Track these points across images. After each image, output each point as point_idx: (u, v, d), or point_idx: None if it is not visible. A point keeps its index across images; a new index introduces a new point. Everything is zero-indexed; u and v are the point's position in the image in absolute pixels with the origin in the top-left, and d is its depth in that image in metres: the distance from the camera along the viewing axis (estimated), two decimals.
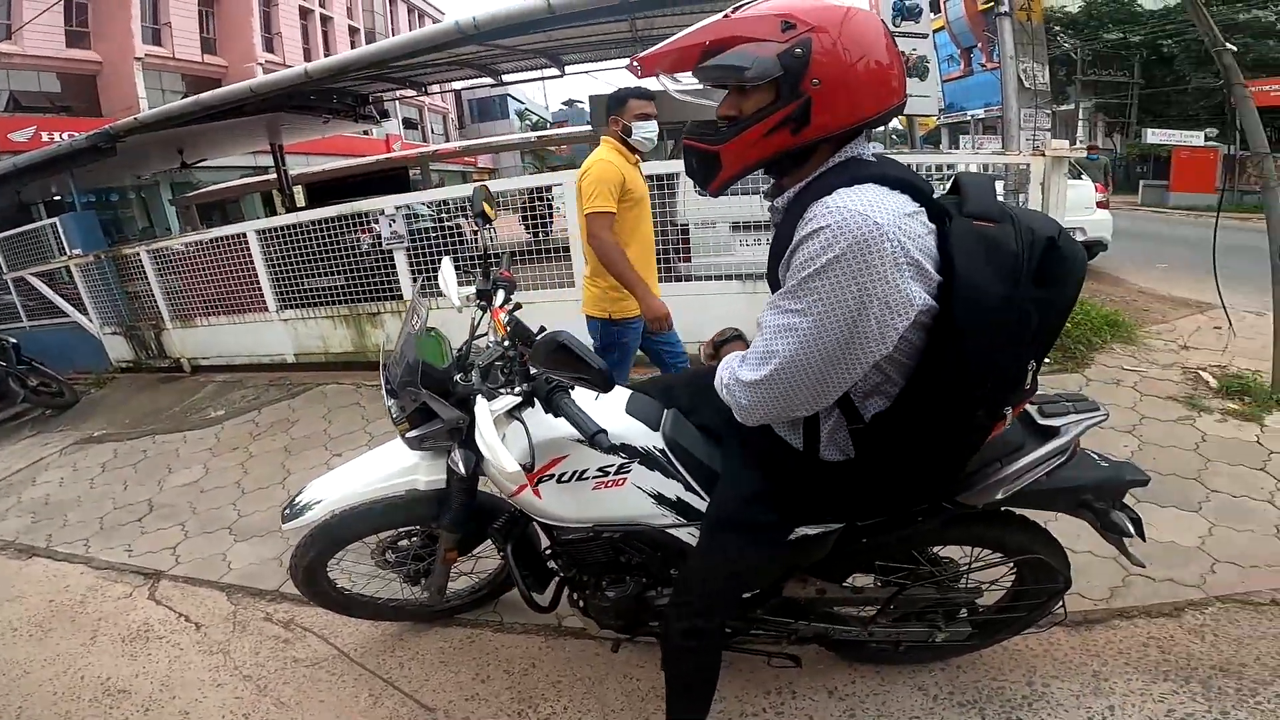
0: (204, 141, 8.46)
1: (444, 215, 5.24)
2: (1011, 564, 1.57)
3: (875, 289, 0.87)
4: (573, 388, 1.28)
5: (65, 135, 9.83)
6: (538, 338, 1.30)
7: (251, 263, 5.31)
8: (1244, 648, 1.82)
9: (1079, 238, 6.63)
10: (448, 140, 27.77)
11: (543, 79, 8.06)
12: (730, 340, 1.35)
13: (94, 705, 2.17)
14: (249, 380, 5.57)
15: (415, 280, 4.75)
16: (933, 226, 0.94)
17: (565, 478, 1.44)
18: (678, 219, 4.21)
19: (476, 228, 1.82)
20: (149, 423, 5.04)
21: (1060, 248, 0.96)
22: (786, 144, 0.94)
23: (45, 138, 10.78)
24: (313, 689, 2.08)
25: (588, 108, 10.18)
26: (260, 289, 5.39)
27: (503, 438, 1.26)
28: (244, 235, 5.29)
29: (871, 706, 1.74)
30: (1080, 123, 20.93)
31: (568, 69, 7.50)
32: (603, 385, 1.06)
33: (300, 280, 5.28)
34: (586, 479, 1.44)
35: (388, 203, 4.83)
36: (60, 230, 6.46)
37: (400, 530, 1.91)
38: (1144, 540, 1.41)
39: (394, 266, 4.90)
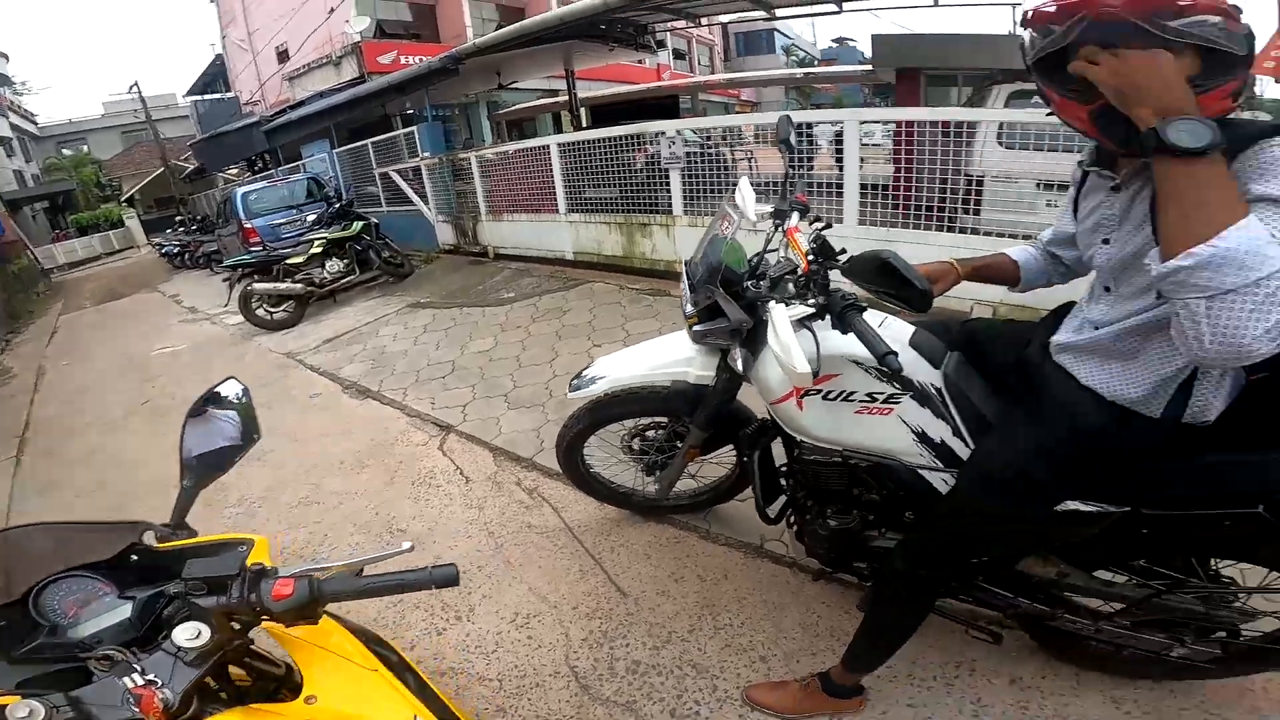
0: (515, 65, 9.70)
1: (708, 142, 5.41)
2: None
3: None
4: (865, 309, 1.31)
5: (415, 59, 11.74)
6: (845, 257, 1.34)
7: (550, 170, 6.12)
8: None
9: None
10: (713, 72, 27.71)
11: (816, 15, 7.55)
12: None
13: (377, 540, 2.54)
14: (535, 270, 6.49)
15: (685, 198, 5.03)
16: None
17: (832, 395, 1.47)
18: (971, 169, 3.79)
19: (780, 153, 1.87)
20: (459, 297, 6.15)
21: None
22: (1229, 109, 0.89)
23: (403, 60, 13.08)
24: (537, 554, 2.32)
25: (867, 47, 9.31)
26: (554, 193, 6.21)
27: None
28: (547, 147, 6.11)
29: (1051, 707, 1.57)
30: None
31: (846, 5, 6.92)
32: (923, 305, 1.06)
33: (584, 189, 5.95)
34: (852, 400, 1.45)
35: (669, 126, 5.14)
36: (416, 137, 8.09)
37: (653, 420, 2.09)
38: None
39: (666, 184, 5.24)
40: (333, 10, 13.23)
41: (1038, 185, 3.65)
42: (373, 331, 5.54)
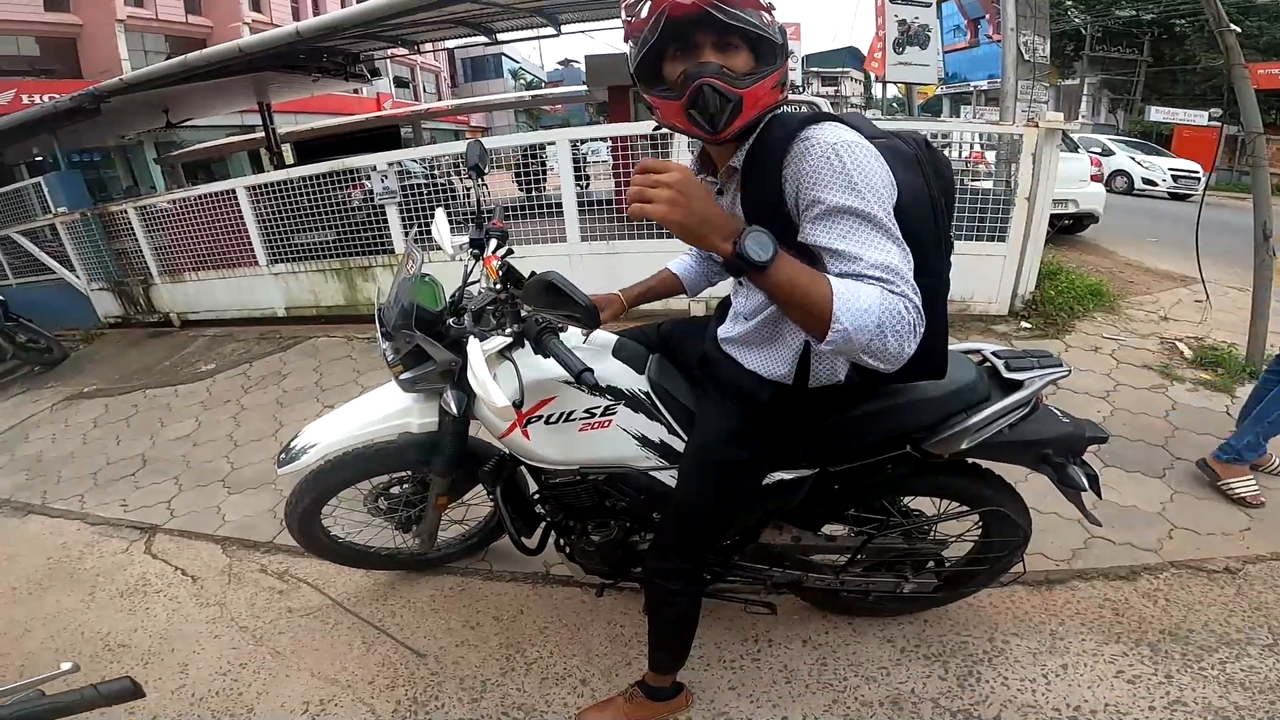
0: (190, 101, 8.23)
1: (435, 172, 5.22)
2: (976, 517, 1.64)
3: (886, 183, 0.98)
4: (563, 329, 1.32)
5: (46, 98, 9.45)
6: (528, 279, 1.33)
7: (241, 218, 5.29)
8: (1193, 613, 1.88)
9: (1070, 210, 6.74)
10: (440, 99, 27.16)
11: (538, 38, 7.86)
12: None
13: (95, 661, 2.18)
14: (239, 334, 5.58)
15: (407, 234, 4.76)
16: None
17: (553, 419, 1.48)
18: None
19: (470, 180, 1.83)
20: (139, 377, 5.04)
21: (934, 149, 1.14)
22: (777, 99, 1.05)
23: (25, 100, 10.41)
24: (308, 638, 2.12)
25: (584, 68, 9.97)
26: (250, 244, 5.39)
27: (494, 377, 1.30)
28: (233, 191, 5.26)
29: (843, 656, 1.82)
30: (1084, 98, 20.79)
31: (564, 28, 7.34)
32: (590, 322, 1.09)
33: (291, 235, 5.27)
34: (574, 420, 1.48)
35: (379, 159, 4.81)
36: (45, 189, 6.37)
37: (392, 476, 1.94)
38: (1100, 497, 1.48)
39: (385, 221, 4.91)
40: None
41: None
42: (19, 436, 4.30)
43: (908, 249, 0.95)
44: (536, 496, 1.79)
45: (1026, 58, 4.19)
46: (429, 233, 1.78)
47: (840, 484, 1.51)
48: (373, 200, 4.90)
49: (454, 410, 1.53)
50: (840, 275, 0.91)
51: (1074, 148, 7.14)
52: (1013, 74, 4.21)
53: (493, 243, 1.70)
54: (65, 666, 0.76)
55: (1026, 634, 1.85)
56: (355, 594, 2.28)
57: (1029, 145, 3.78)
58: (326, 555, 2.12)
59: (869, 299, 0.87)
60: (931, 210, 1.09)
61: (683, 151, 4.22)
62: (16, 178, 7.81)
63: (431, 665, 1.94)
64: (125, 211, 5.89)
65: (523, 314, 1.34)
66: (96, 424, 4.24)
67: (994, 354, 1.54)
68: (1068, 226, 7.10)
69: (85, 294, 6.55)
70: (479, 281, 1.65)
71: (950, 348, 1.32)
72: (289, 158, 10.21)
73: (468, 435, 1.73)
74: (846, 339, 0.86)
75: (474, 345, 1.30)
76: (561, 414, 1.48)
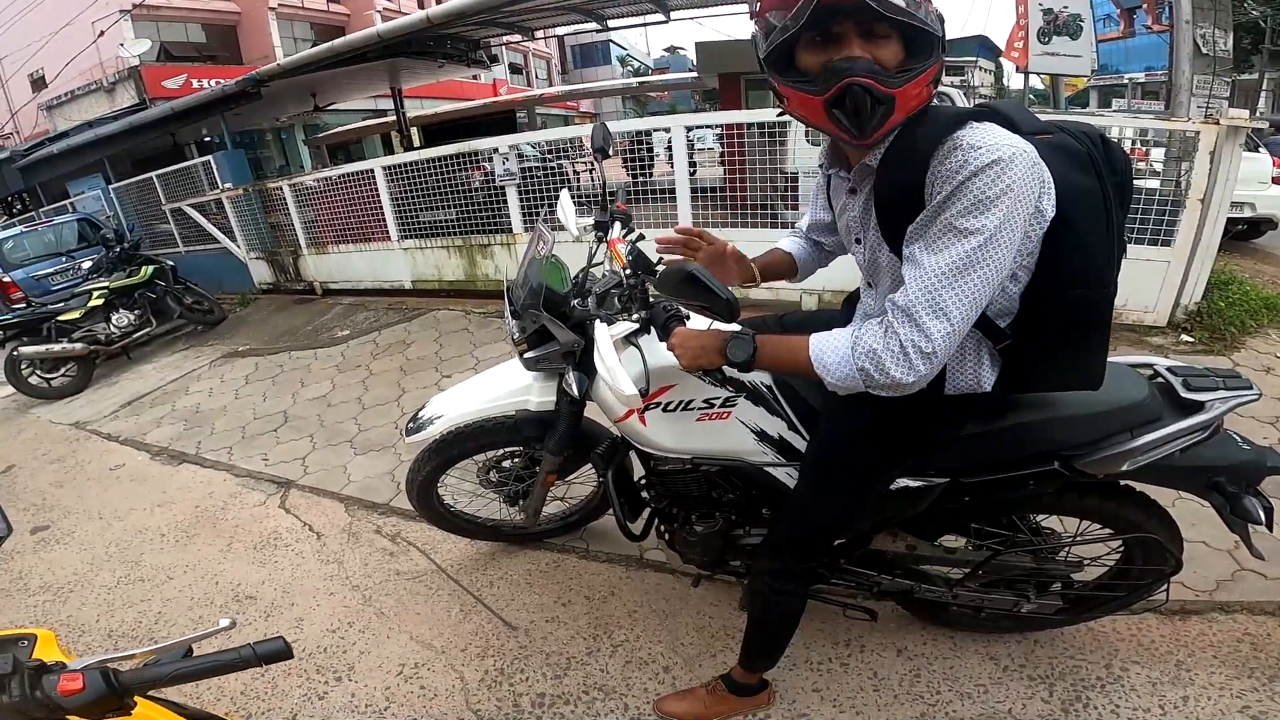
0: (333, 86, 8.99)
1: (549, 156, 5.36)
2: (1120, 541, 1.49)
3: (1029, 206, 0.92)
4: (688, 318, 1.30)
5: (212, 82, 10.62)
6: (661, 266, 1.32)
7: (377, 196, 5.72)
8: None
9: (1245, 214, 5.87)
10: (551, 85, 27.85)
11: (646, 25, 7.85)
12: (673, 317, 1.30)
13: (224, 612, 2.32)
14: (370, 303, 6.02)
15: (525, 215, 4.96)
16: None
17: (671, 407, 1.47)
18: (787, 167, 4.09)
19: (594, 163, 1.84)
20: (285, 340, 5.57)
21: (1111, 144, 1.04)
22: (929, 97, 0.97)
23: (195, 84, 11.72)
24: (411, 601, 2.21)
25: (692, 55, 9.87)
26: (384, 220, 5.80)
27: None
28: (372, 171, 5.69)
29: (939, 669, 1.72)
30: (1263, 93, 18.39)
31: (673, 15, 7.27)
32: (728, 315, 1.06)
33: (419, 213, 5.63)
34: (692, 409, 1.47)
35: (501, 142, 5.01)
36: (214, 167, 7.17)
37: (506, 450, 2.01)
38: (1270, 530, 1.29)
39: (504, 202, 5.11)
40: (102, 33, 11.51)
41: None
42: (181, 389, 4.86)
43: (989, 283, 0.92)
44: (643, 482, 1.79)
45: (1205, 51, 3.80)
46: (553, 213, 1.82)
47: (971, 496, 1.40)
48: (493, 181, 5.11)
49: (575, 392, 1.55)
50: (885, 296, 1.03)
51: (1254, 147, 6.21)
52: (1187, 67, 3.91)
53: (617, 226, 1.70)
54: (224, 623, 0.79)
55: (1148, 663, 1.68)
56: (458, 562, 2.36)
57: (1206, 143, 3.32)
58: (438, 522, 2.22)
59: (840, 350, 1.02)
60: (1104, 214, 0.99)
61: (800, 141, 4.06)
62: (186, 156, 8.84)
63: (521, 638, 1.98)
64: (280, 188, 6.55)
65: (651, 300, 1.33)
66: (247, 380, 4.72)
67: (1170, 370, 1.36)
68: (1242, 232, 6.26)
69: (244, 262, 7.34)
70: (602, 264, 1.67)
71: (1120, 360, 1.18)
72: (416, 140, 10.89)
73: (583, 416, 1.76)
74: (839, 387, 1.03)
75: (602, 330, 1.30)
76: (680, 402, 1.47)
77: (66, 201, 10.12)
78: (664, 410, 1.49)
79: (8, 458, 4.07)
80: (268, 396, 4.34)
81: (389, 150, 14.24)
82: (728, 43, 7.90)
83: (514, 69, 28.86)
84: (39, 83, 14.50)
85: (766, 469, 1.51)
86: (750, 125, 4.15)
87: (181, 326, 6.34)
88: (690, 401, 1.46)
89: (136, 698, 0.74)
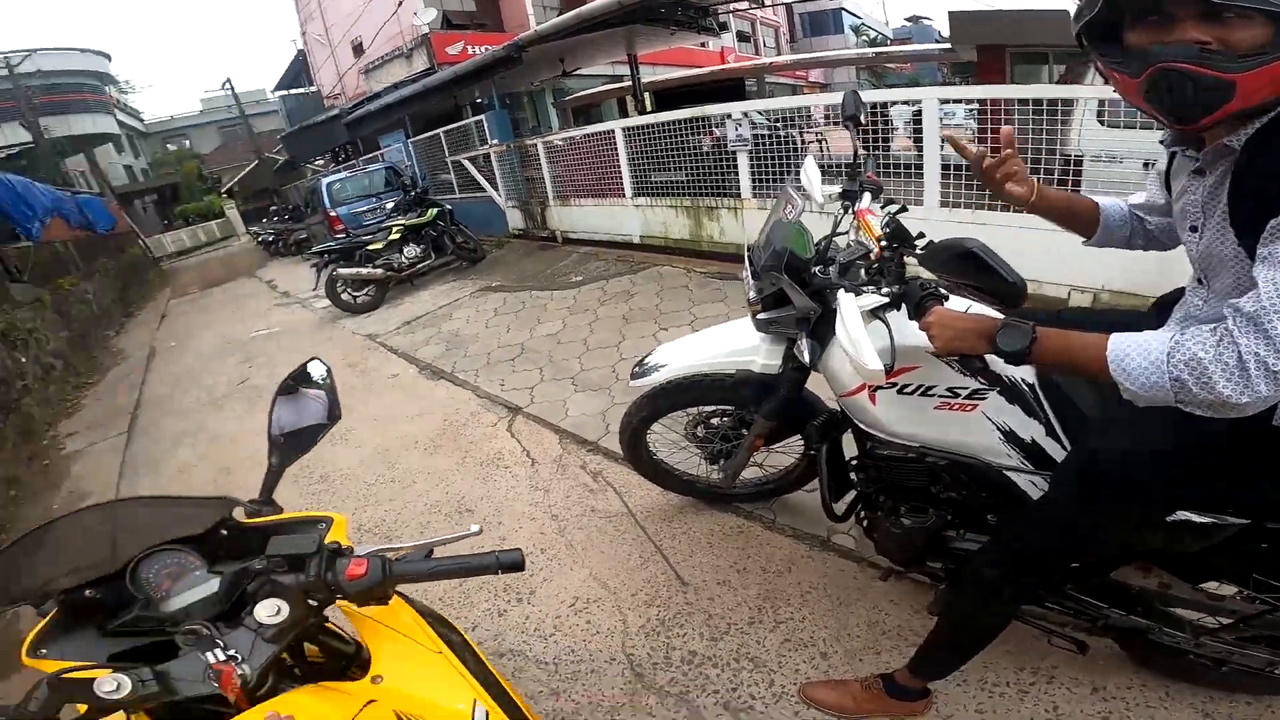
0: (578, 52, 9.76)
1: (777, 125, 5.24)
2: None
3: None
4: (946, 298, 1.22)
5: (482, 49, 11.99)
6: (924, 241, 1.25)
7: (616, 155, 6.16)
8: None
9: None
10: (779, 54, 26.78)
11: None
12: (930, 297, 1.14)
13: (447, 520, 2.59)
14: (602, 254, 6.57)
15: (754, 180, 4.97)
16: None
17: (909, 389, 1.39)
18: (1068, 149, 3.51)
19: (850, 131, 1.78)
20: (529, 281, 6.30)
21: None
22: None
23: (470, 50, 13.31)
24: (599, 538, 2.32)
25: (943, 25, 8.83)
26: (620, 177, 6.26)
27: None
28: (612, 132, 6.13)
29: (1135, 717, 1.46)
30: None
31: None
32: (1013, 300, 0.98)
33: (651, 173, 5.96)
34: (931, 396, 1.38)
35: (734, 108, 5.02)
36: (484, 125, 8.28)
37: (719, 407, 2.05)
38: None
39: (733, 167, 5.16)
40: (401, 3, 13.62)
41: (1145, 165, 3.33)
42: (446, 315, 5.74)
43: None
44: (854, 463, 1.72)
45: None
46: (797, 179, 1.80)
47: (1274, 544, 1.14)
48: (723, 146, 5.17)
49: (805, 358, 1.55)
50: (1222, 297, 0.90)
51: None
52: None
53: (866, 196, 1.63)
54: (474, 529, 0.85)
55: None
56: (647, 509, 2.44)
57: None
58: (639, 467, 2.31)
59: (1151, 354, 0.87)
60: None
61: (1089, 120, 3.44)
62: (464, 116, 10.28)
63: (690, 595, 2.02)
64: (535, 145, 7.37)
65: (908, 275, 1.27)
66: (496, 313, 5.42)
67: None
68: None
69: (503, 209, 8.47)
70: (847, 234, 1.62)
71: None
72: (649, 105, 11.38)
73: (804, 385, 1.76)
74: (1140, 397, 0.89)
75: (848, 300, 1.27)
76: (920, 386, 1.38)
77: (378, 152, 12.44)
78: (899, 392, 1.41)
79: (323, 357, 5.28)
80: (510, 329, 4.93)
81: (623, 114, 15.07)
82: (989, 12, 7.05)
83: (741, 37, 28.24)
84: (358, 49, 17.30)
85: (1006, 472, 1.37)
86: (1017, 101, 3.62)
87: (451, 262, 7.44)
88: (932, 387, 1.37)
89: (392, 590, 0.78)
